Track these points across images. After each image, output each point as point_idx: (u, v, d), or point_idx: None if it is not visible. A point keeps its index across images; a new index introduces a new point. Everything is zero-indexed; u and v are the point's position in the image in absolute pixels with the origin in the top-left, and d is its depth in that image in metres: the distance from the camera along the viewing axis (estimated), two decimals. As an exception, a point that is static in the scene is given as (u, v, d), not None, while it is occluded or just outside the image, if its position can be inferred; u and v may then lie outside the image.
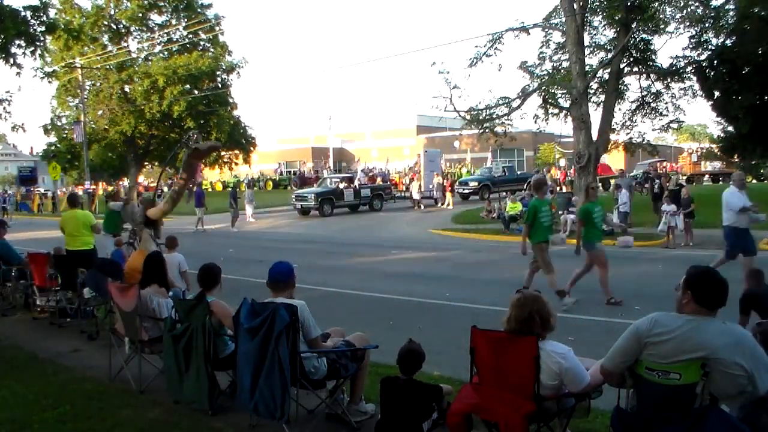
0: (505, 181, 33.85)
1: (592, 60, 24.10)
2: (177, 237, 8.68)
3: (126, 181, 50.87)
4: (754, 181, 41.85)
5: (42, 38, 14.92)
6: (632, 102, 24.88)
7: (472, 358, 3.52)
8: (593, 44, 24.47)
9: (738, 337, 2.80)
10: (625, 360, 3.02)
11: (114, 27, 44.39)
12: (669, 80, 23.66)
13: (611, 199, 21.77)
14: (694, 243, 15.29)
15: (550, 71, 24.56)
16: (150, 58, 45.35)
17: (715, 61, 22.20)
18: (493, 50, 22.28)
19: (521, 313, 3.35)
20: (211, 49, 45.66)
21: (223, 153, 49.48)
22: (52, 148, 45.36)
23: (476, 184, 33.83)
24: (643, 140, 25.11)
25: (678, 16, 21.37)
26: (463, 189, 34.09)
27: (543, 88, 23.46)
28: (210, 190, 61.42)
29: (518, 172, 37.67)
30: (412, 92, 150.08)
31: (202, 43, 46.03)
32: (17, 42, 14.14)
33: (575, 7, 20.99)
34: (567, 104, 22.82)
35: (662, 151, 41.60)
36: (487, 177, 34.72)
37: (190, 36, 44.76)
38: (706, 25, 21.50)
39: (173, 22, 45.32)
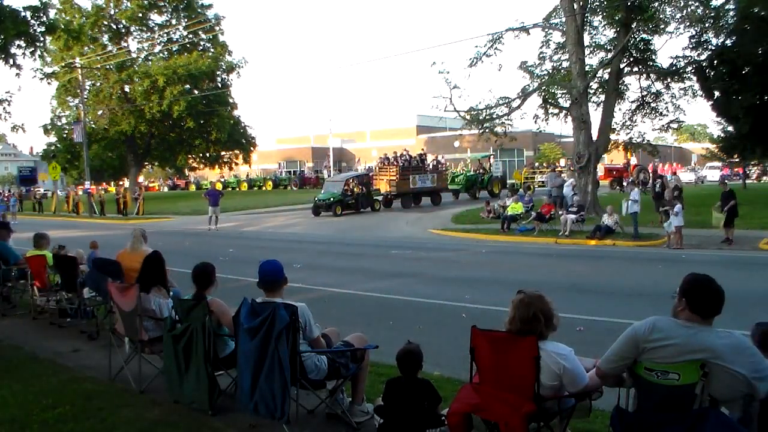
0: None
1: (592, 60, 24.13)
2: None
3: (125, 182, 50.87)
4: (754, 180, 41.84)
5: (42, 38, 14.94)
6: (632, 102, 24.91)
7: (472, 358, 3.51)
8: (593, 44, 24.48)
9: (738, 341, 2.79)
10: (621, 363, 3.00)
11: (114, 27, 44.40)
12: (669, 80, 23.68)
13: None
14: (695, 244, 15.29)
15: (550, 71, 24.57)
16: (150, 58, 45.36)
17: (715, 61, 22.20)
18: (493, 50, 22.33)
19: (525, 313, 3.33)
20: (211, 49, 45.66)
21: (223, 153, 49.52)
22: (52, 148, 45.36)
23: None
24: (643, 140, 25.15)
25: (678, 16, 21.40)
26: None
27: (543, 88, 23.47)
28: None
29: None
30: (412, 92, 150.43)
31: (202, 43, 46.04)
32: (17, 42, 14.16)
33: (575, 7, 21.00)
34: (567, 104, 22.84)
35: (662, 151, 41.62)
36: None
37: (190, 36, 44.76)
38: (706, 25, 21.50)
39: (173, 22, 45.34)
